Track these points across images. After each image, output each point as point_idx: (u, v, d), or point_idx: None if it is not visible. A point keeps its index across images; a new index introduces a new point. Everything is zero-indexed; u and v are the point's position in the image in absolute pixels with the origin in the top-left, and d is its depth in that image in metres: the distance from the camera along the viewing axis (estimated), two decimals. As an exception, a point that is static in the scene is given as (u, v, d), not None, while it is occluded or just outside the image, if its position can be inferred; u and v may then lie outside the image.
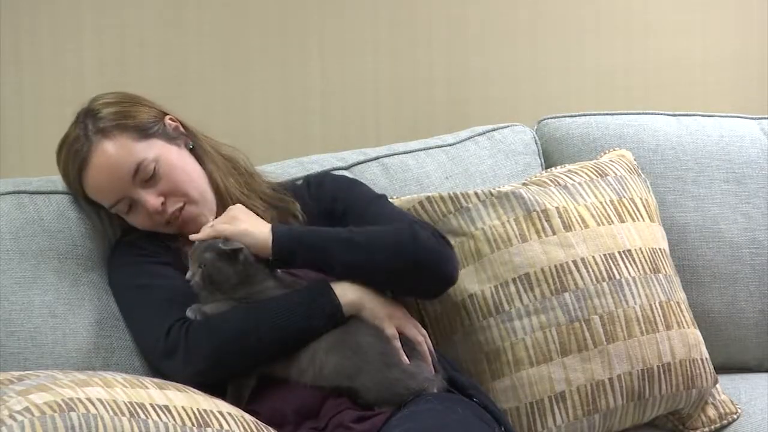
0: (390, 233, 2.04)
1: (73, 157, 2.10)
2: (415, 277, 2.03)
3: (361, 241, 2.01)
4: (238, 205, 2.08)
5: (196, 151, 2.16)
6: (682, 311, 2.26)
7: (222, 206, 2.14)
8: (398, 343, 1.98)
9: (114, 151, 2.08)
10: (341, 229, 2.05)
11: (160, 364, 2.01)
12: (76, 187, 2.13)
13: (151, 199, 2.08)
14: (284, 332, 1.95)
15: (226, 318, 1.97)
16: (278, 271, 2.04)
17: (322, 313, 1.96)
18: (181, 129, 2.16)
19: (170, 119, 2.15)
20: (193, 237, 2.01)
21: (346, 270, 2.00)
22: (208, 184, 2.14)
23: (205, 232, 2.01)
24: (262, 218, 2.07)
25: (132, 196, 2.09)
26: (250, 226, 2.01)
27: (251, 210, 2.09)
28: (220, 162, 2.18)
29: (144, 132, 2.10)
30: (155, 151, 2.09)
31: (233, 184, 2.16)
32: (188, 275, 1.98)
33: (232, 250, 1.96)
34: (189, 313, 1.99)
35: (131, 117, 2.11)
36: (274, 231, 2.00)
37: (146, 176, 2.08)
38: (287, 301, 1.98)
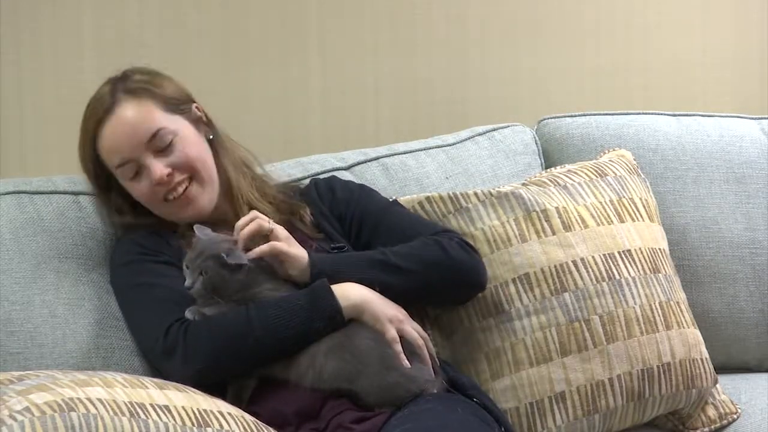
0: (421, 251, 2.08)
1: (96, 106, 2.11)
2: (449, 291, 2.12)
3: (396, 263, 2.04)
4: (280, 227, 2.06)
5: (215, 144, 2.18)
6: (682, 311, 2.26)
7: (231, 204, 2.14)
8: (399, 347, 1.98)
9: (137, 112, 2.09)
10: (373, 252, 2.08)
11: (159, 363, 2.01)
12: (90, 142, 2.11)
13: (160, 168, 2.08)
14: (284, 334, 1.95)
15: (225, 318, 1.97)
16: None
17: (323, 316, 1.96)
18: (205, 119, 2.18)
19: (197, 107, 2.18)
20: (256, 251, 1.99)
21: (383, 292, 2.02)
22: (217, 175, 2.15)
23: (262, 249, 1.99)
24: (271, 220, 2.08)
25: (142, 161, 2.09)
26: (294, 250, 2.01)
27: (261, 213, 2.10)
28: (237, 161, 2.19)
29: (170, 105, 2.12)
30: (177, 125, 2.11)
31: (245, 185, 2.17)
32: (188, 282, 1.98)
33: (237, 264, 1.96)
34: (188, 314, 1.99)
35: (161, 87, 2.13)
36: (312, 260, 2.01)
37: (162, 145, 2.09)
38: (288, 303, 1.97)
